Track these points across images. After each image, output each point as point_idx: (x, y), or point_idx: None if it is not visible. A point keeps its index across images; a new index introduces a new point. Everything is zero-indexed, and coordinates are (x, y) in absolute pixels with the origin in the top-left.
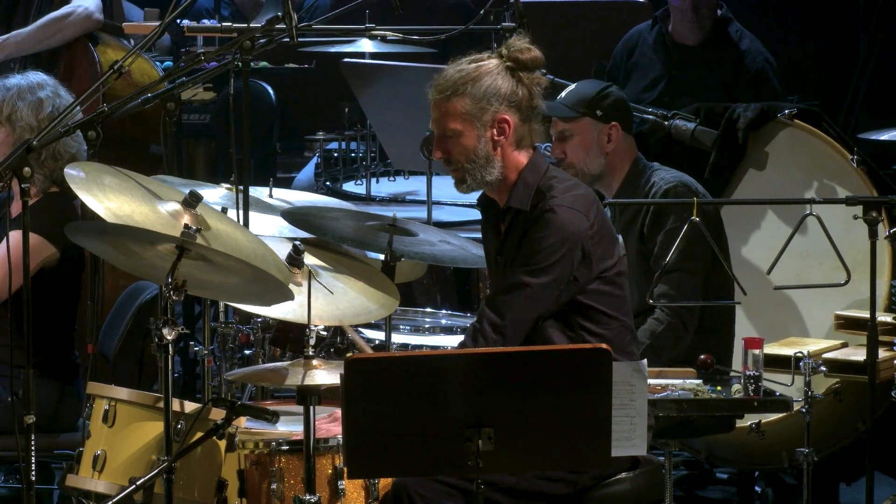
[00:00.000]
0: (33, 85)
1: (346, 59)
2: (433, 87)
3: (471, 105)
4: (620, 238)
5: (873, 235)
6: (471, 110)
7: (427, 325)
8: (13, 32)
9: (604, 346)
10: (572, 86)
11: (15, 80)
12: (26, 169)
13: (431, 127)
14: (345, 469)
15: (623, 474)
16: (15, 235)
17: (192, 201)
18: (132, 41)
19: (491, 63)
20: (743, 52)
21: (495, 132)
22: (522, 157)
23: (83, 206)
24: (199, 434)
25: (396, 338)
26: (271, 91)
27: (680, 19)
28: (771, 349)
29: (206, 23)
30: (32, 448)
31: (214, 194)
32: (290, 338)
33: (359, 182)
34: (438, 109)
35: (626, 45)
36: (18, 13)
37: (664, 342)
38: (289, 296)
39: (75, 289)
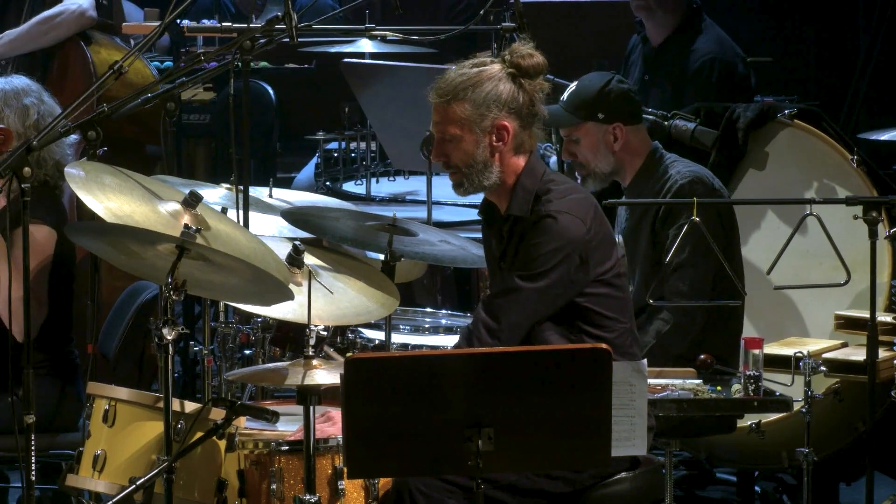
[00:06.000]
0: (18, 91)
1: (346, 59)
2: (434, 89)
3: (470, 110)
4: (620, 239)
5: (873, 235)
6: (470, 116)
7: (427, 325)
8: (6, 32)
9: (603, 345)
10: (573, 85)
11: None
12: (26, 169)
13: (432, 129)
14: (345, 469)
15: (623, 474)
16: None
17: (192, 201)
18: (132, 41)
19: (493, 68)
20: (691, 51)
21: (494, 138)
22: (520, 162)
23: (80, 204)
24: (199, 434)
25: (396, 338)
26: (271, 91)
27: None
28: (771, 349)
29: (206, 23)
30: (32, 448)
31: (214, 194)
32: (290, 338)
33: (359, 182)
34: (438, 113)
35: (628, 50)
36: (10, 12)
37: (671, 340)
38: (289, 296)
39: (69, 285)
